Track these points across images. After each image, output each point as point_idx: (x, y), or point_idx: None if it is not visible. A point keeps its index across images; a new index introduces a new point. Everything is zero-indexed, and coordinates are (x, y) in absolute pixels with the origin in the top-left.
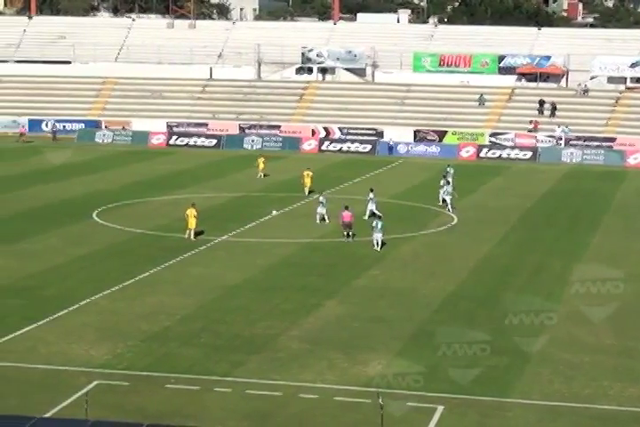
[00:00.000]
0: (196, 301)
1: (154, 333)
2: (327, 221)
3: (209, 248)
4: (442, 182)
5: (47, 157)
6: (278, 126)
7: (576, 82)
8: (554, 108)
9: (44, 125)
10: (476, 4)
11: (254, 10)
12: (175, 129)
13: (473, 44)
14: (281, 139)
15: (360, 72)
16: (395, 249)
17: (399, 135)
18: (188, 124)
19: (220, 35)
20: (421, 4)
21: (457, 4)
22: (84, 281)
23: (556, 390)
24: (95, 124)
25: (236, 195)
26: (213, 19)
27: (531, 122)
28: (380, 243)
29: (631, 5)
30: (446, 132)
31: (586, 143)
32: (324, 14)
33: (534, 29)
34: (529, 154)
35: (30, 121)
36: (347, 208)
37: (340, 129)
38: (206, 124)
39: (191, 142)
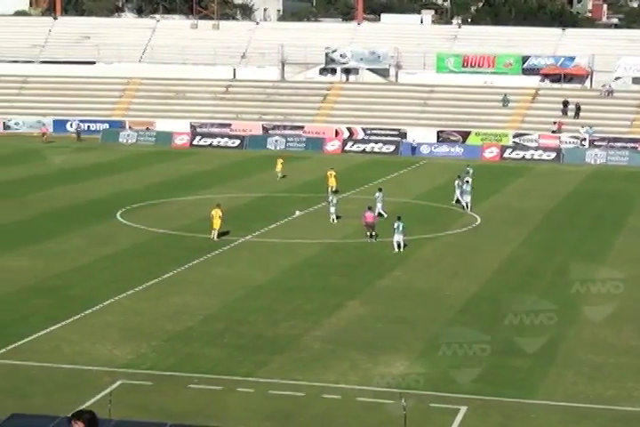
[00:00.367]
0: (220, 301)
1: (177, 333)
2: (335, 221)
3: (232, 248)
4: (457, 182)
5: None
6: (302, 127)
7: (600, 83)
8: (578, 109)
9: (68, 126)
10: (499, 4)
11: (278, 10)
12: (199, 129)
13: (496, 44)
14: (304, 139)
15: (383, 73)
16: (418, 250)
17: (422, 136)
18: (212, 125)
19: (243, 35)
20: (445, 4)
21: (481, 4)
22: (108, 281)
23: (580, 391)
24: (119, 125)
25: (260, 195)
26: (237, 19)
27: (554, 123)
28: (401, 244)
29: None
30: (469, 132)
31: (610, 144)
32: (347, 15)
33: (558, 30)
34: (553, 155)
35: (55, 121)
36: (370, 209)
37: (363, 130)
38: (229, 125)
39: (214, 143)
